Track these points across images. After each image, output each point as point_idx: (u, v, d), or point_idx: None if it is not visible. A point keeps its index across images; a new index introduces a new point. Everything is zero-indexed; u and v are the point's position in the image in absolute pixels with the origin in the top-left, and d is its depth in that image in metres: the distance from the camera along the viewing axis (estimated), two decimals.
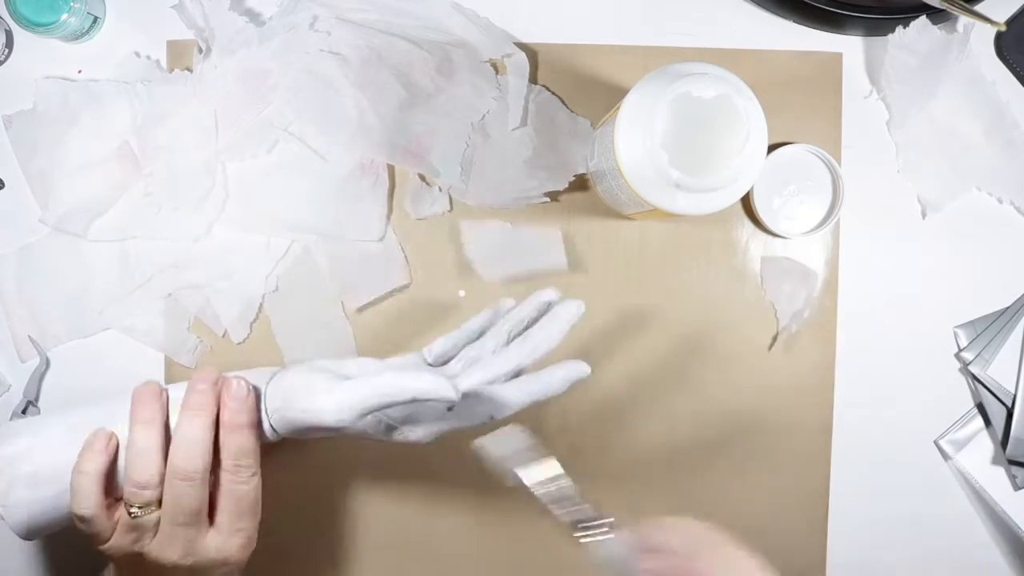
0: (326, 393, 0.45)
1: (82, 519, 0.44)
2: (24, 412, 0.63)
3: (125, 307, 0.62)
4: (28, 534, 0.46)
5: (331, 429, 0.46)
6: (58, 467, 0.45)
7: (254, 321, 0.63)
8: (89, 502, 0.44)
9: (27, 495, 0.45)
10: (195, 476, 0.44)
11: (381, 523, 0.64)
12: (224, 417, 0.46)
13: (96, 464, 0.44)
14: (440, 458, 0.62)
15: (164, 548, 0.45)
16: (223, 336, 0.63)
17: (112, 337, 0.63)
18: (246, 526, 0.47)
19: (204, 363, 0.63)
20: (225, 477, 0.46)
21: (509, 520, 0.64)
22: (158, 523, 0.45)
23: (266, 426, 0.48)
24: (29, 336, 0.63)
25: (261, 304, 0.62)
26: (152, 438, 0.45)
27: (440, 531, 0.64)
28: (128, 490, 0.45)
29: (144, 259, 0.62)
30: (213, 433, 0.46)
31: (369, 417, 0.46)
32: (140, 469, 0.44)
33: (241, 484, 0.46)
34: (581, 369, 0.48)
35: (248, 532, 0.47)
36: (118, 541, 0.45)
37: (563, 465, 0.64)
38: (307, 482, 0.63)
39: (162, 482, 0.45)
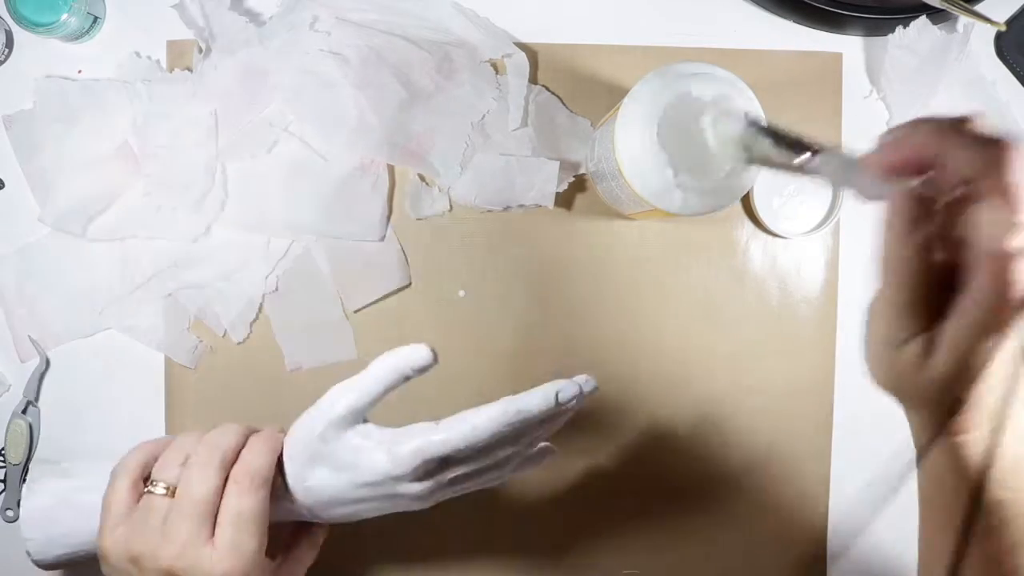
0: (380, 444, 0.43)
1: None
2: (24, 412, 0.63)
3: (125, 307, 0.62)
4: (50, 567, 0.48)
5: (373, 485, 0.44)
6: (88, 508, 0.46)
7: (254, 321, 0.63)
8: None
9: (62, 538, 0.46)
10: (212, 462, 0.43)
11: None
12: (255, 434, 0.46)
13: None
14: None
15: (161, 544, 0.43)
16: (223, 336, 0.63)
17: (112, 337, 0.63)
18: (245, 545, 0.43)
19: (204, 363, 0.63)
20: (229, 488, 0.44)
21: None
22: (164, 520, 0.43)
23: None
24: (29, 336, 0.63)
25: (261, 304, 0.62)
26: (231, 440, 0.45)
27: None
28: (164, 459, 0.45)
29: (144, 259, 0.62)
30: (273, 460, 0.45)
31: (424, 474, 0.43)
32: (196, 450, 0.44)
33: (242, 497, 0.43)
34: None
35: (247, 554, 0.43)
36: (122, 531, 0.44)
37: (560, 465, 0.64)
38: None
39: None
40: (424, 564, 0.64)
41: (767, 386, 0.64)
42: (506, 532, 0.64)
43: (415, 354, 0.43)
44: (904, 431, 0.65)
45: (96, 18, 0.62)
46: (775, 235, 0.63)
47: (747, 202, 0.63)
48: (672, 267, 0.64)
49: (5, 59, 0.63)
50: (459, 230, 0.63)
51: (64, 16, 0.59)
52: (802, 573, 0.64)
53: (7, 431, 0.63)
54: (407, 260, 0.63)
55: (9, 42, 0.63)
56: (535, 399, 0.42)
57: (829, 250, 0.64)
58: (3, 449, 0.63)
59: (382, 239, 0.62)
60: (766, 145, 0.40)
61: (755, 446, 0.65)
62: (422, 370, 0.43)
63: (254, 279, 0.62)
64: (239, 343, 0.63)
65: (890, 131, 0.33)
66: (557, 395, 0.42)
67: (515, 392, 0.43)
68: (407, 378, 0.43)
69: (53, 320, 0.63)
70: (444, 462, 0.43)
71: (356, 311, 0.63)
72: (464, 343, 0.63)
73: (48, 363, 0.63)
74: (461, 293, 0.63)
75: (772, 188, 0.62)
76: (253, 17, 0.62)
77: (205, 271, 0.62)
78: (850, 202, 0.63)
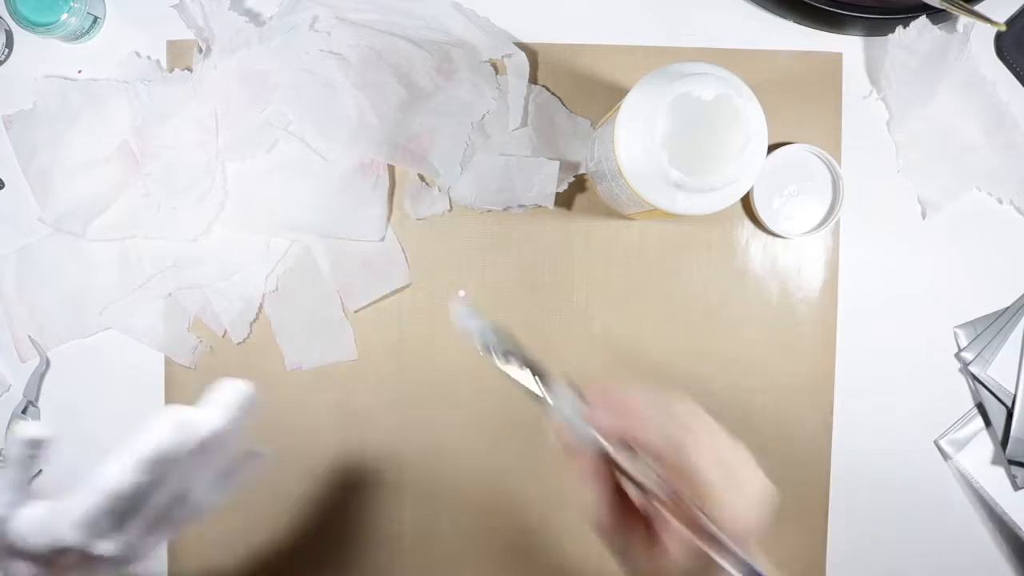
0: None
1: None
2: (24, 412, 0.63)
3: (125, 307, 0.62)
4: None
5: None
6: None
7: (254, 321, 0.63)
8: None
9: None
10: None
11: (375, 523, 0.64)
12: None
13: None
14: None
15: None
16: (223, 336, 0.63)
17: (112, 337, 0.63)
18: None
19: (204, 363, 0.63)
20: None
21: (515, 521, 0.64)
22: None
23: None
24: (29, 336, 0.63)
25: (261, 304, 0.62)
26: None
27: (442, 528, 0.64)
28: None
29: (144, 259, 0.62)
30: None
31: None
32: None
33: None
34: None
35: None
36: None
37: (558, 463, 0.64)
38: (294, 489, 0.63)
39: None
40: None
41: (767, 386, 0.64)
42: (508, 531, 0.64)
43: None
44: (903, 431, 0.65)
45: (96, 18, 0.62)
46: (775, 235, 0.63)
47: (747, 202, 0.63)
48: (672, 267, 0.64)
49: (5, 59, 0.63)
50: (459, 230, 0.63)
51: (64, 16, 0.59)
52: (802, 572, 0.64)
53: (7, 431, 0.63)
54: (407, 260, 0.63)
55: (9, 42, 0.63)
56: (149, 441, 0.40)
57: (829, 250, 0.64)
58: (3, 449, 0.63)
59: (382, 239, 0.62)
60: (500, 358, 0.42)
61: (755, 446, 0.64)
62: None
63: (254, 279, 0.62)
64: (239, 343, 0.63)
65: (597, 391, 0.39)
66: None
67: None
68: None
69: (53, 320, 0.63)
70: (115, 515, 0.40)
71: (356, 311, 0.63)
72: (464, 343, 0.63)
73: (48, 363, 0.63)
74: (461, 293, 0.63)
75: (772, 188, 0.62)
76: (253, 17, 0.62)
77: (205, 271, 0.62)
78: (850, 202, 0.63)
